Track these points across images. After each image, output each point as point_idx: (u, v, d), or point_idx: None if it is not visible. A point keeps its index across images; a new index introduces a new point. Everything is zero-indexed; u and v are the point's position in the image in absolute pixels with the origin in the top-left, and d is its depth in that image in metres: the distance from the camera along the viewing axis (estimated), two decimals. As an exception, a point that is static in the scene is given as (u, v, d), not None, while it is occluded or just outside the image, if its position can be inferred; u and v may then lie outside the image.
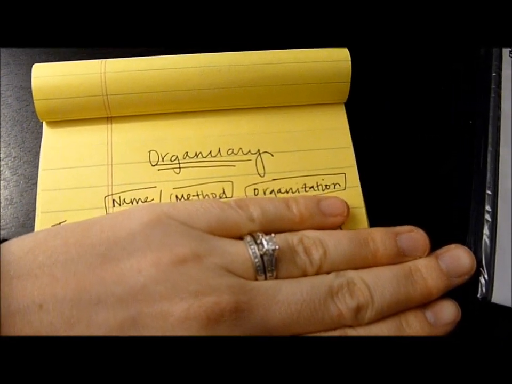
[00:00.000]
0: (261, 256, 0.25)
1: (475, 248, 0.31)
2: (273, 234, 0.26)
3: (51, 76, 0.30)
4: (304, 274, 0.26)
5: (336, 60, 0.31)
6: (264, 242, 0.25)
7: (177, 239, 0.25)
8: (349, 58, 0.31)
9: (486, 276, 0.30)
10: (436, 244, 0.28)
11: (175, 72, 0.30)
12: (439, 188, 0.32)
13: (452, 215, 0.32)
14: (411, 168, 0.33)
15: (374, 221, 0.30)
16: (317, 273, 0.26)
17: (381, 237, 0.27)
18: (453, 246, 0.28)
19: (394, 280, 0.26)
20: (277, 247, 0.25)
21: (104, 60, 0.30)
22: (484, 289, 0.30)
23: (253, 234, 0.26)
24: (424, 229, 0.29)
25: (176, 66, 0.30)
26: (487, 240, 0.31)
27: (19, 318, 0.21)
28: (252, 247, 0.25)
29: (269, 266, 0.25)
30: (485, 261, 0.30)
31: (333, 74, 0.31)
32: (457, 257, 0.27)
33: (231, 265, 0.25)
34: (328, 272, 0.26)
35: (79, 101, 0.30)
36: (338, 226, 0.29)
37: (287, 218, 0.28)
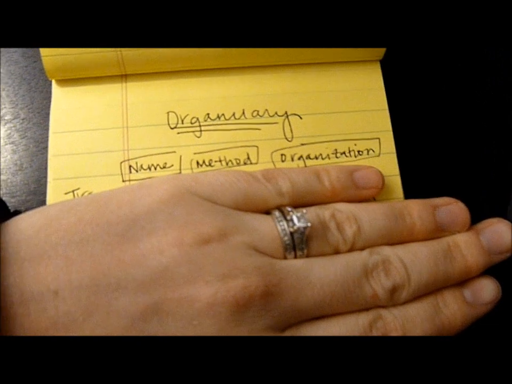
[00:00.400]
0: (291, 233, 0.23)
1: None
2: (304, 210, 0.24)
3: (59, 29, 0.27)
4: (336, 252, 0.24)
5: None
6: (295, 219, 0.23)
7: (201, 217, 0.23)
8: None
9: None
10: (474, 216, 0.26)
11: (196, 25, 0.27)
12: (479, 156, 0.30)
13: (492, 185, 0.30)
14: (450, 135, 0.30)
15: (409, 190, 0.28)
16: (350, 250, 0.24)
17: (418, 211, 0.25)
18: (495, 220, 0.26)
19: (432, 257, 0.25)
20: (309, 224, 0.23)
21: None
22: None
23: (281, 209, 0.24)
24: (461, 199, 0.27)
25: (196, 18, 0.27)
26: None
27: (33, 307, 0.20)
28: (281, 223, 0.23)
29: (299, 244, 0.23)
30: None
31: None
32: (500, 232, 0.25)
33: (258, 243, 0.23)
34: (361, 249, 0.25)
35: (90, 57, 0.27)
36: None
37: (318, 192, 0.26)
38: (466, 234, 0.25)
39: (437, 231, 0.25)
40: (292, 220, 0.23)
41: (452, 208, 0.26)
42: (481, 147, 0.30)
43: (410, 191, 0.28)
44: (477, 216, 0.26)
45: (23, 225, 0.21)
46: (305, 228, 0.23)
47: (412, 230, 0.25)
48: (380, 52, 0.29)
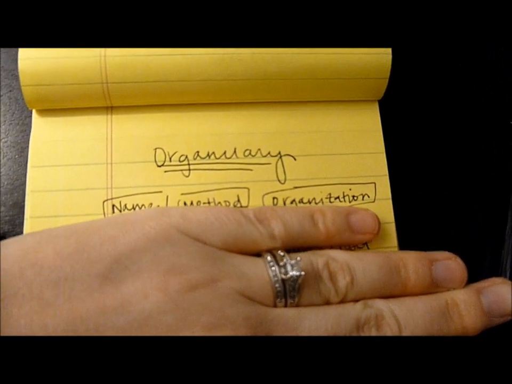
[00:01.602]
0: (283, 280, 0.22)
1: (510, 274, 0.28)
2: (298, 258, 0.23)
3: (42, 58, 0.25)
4: (327, 302, 0.23)
5: (374, 52, 0.27)
6: (288, 267, 0.22)
7: (189, 259, 0.21)
8: (390, 50, 0.27)
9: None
10: (468, 261, 0.25)
11: (188, 59, 0.26)
12: (475, 202, 0.29)
13: (486, 230, 0.29)
14: (445, 178, 0.29)
15: (403, 238, 0.27)
16: (341, 301, 0.23)
17: (414, 264, 0.24)
18: (498, 280, 0.25)
19: (427, 315, 0.24)
20: (303, 273, 0.22)
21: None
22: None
23: (273, 253, 0.23)
24: (456, 244, 0.26)
25: (189, 52, 0.26)
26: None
27: None
28: (273, 268, 0.22)
29: (290, 292, 0.22)
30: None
31: (370, 68, 0.27)
32: (502, 294, 0.24)
33: (248, 289, 0.22)
34: (353, 300, 0.24)
35: (74, 88, 0.25)
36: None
37: (312, 235, 0.25)
38: (466, 293, 0.24)
39: (432, 287, 0.25)
40: (285, 266, 0.22)
41: (449, 264, 0.25)
42: (477, 194, 0.29)
43: (404, 239, 0.27)
44: (469, 260, 0.25)
45: None
46: (298, 276, 0.22)
47: (406, 284, 0.24)
48: (380, 92, 0.28)
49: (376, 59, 0.27)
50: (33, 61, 0.25)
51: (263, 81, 0.27)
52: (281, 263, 0.23)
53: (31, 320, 0.19)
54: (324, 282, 0.23)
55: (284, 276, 0.22)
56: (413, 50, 0.31)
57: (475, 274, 0.25)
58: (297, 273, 0.22)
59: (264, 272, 0.22)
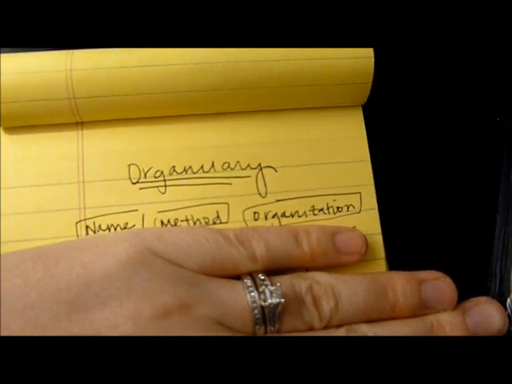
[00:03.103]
0: (262, 307, 0.21)
1: (501, 277, 0.27)
2: (278, 284, 0.22)
3: (5, 74, 0.24)
4: (310, 328, 0.22)
5: (355, 56, 0.26)
6: (267, 294, 0.22)
7: (163, 284, 0.21)
8: (372, 54, 0.26)
9: (514, 311, 0.26)
10: (457, 271, 0.24)
11: (159, 70, 0.24)
12: (462, 208, 0.28)
13: (474, 237, 0.28)
14: (433, 186, 0.28)
15: (390, 249, 0.26)
16: (326, 327, 0.23)
17: (402, 286, 0.24)
18: (483, 299, 0.24)
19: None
20: (282, 300, 0.21)
21: (70, 51, 0.24)
22: (511, 325, 0.26)
23: (253, 276, 0.22)
24: (444, 253, 0.25)
25: (159, 63, 0.24)
26: (517, 269, 0.27)
27: None
28: (252, 294, 0.22)
29: (270, 319, 0.22)
30: (514, 293, 0.27)
31: (351, 73, 0.26)
32: (487, 314, 0.24)
33: (225, 316, 0.21)
34: (338, 325, 0.23)
35: (40, 104, 0.24)
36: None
37: (296, 256, 0.24)
38: (451, 314, 0.24)
39: (421, 308, 0.24)
40: (264, 292, 0.22)
41: (439, 285, 0.24)
42: (463, 199, 0.28)
43: (391, 250, 0.26)
44: (458, 270, 0.25)
45: None
46: (278, 303, 0.21)
47: (394, 307, 0.23)
48: (363, 97, 0.27)
49: (358, 63, 0.26)
50: (-5, 77, 0.24)
51: (239, 90, 0.25)
52: (261, 289, 0.22)
53: None
54: (307, 307, 0.22)
55: (263, 303, 0.21)
56: (397, 52, 0.30)
57: (463, 284, 0.24)
58: (277, 301, 0.21)
59: (242, 297, 0.22)
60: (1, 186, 0.25)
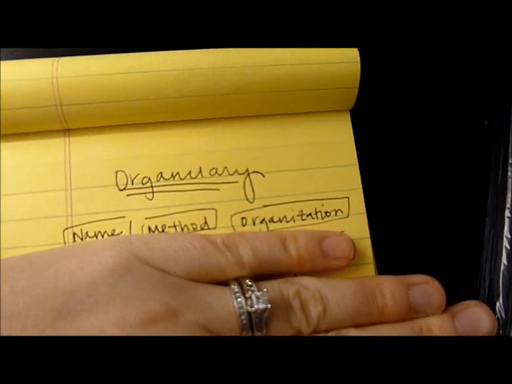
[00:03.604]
0: (249, 313, 0.21)
1: (490, 280, 0.27)
2: (265, 290, 0.22)
3: (-11, 82, 0.24)
4: (299, 333, 0.22)
5: (342, 61, 0.26)
6: (254, 299, 0.22)
7: (149, 291, 0.21)
8: (358, 59, 0.26)
9: (503, 314, 0.26)
10: (446, 274, 0.24)
11: (145, 76, 0.24)
12: (451, 211, 0.28)
13: (463, 240, 0.28)
14: (421, 189, 0.28)
15: (379, 253, 0.26)
16: (314, 331, 0.23)
17: (390, 290, 0.23)
18: (472, 303, 0.24)
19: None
20: (269, 306, 0.21)
21: (57, 58, 0.25)
22: (500, 328, 0.26)
23: (240, 282, 0.22)
24: (433, 257, 0.25)
25: (145, 69, 0.24)
26: (506, 272, 0.27)
27: None
28: (239, 300, 0.22)
29: (257, 324, 0.22)
30: (502, 296, 0.27)
31: (338, 78, 0.26)
32: (476, 317, 0.24)
33: (212, 322, 0.21)
34: (326, 330, 0.23)
35: (27, 112, 0.24)
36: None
37: (283, 262, 0.24)
38: (440, 318, 0.24)
39: (410, 312, 0.24)
40: (250, 298, 0.22)
41: (427, 288, 0.24)
42: (452, 202, 0.28)
43: (380, 253, 0.26)
44: (446, 273, 0.25)
45: None
46: (264, 309, 0.21)
47: (383, 311, 0.23)
48: (350, 101, 0.27)
49: (344, 68, 0.26)
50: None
51: (226, 96, 0.25)
52: (247, 295, 0.22)
53: None
54: (294, 312, 0.22)
55: (249, 309, 0.21)
56: (384, 56, 0.30)
57: (452, 287, 0.24)
58: (263, 306, 0.21)
59: (229, 302, 0.21)
60: (-11, 194, 0.25)
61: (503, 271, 0.27)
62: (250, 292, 0.22)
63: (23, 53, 0.27)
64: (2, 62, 0.24)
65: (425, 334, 0.23)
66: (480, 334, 0.23)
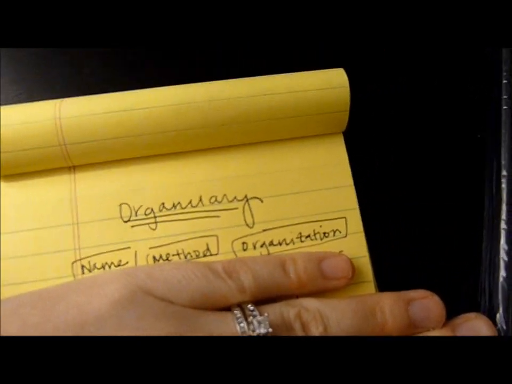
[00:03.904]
0: None
1: (489, 293, 0.27)
2: (266, 314, 0.23)
3: (-2, 126, 0.25)
4: None
5: (331, 86, 0.27)
6: (255, 324, 0.22)
7: (153, 322, 0.21)
8: (347, 83, 0.27)
9: (504, 326, 0.27)
10: (447, 288, 0.25)
11: (144, 112, 0.26)
12: (448, 225, 0.29)
13: (462, 254, 0.28)
14: (417, 205, 0.29)
15: (379, 270, 0.27)
16: None
17: (390, 306, 0.24)
18: (472, 315, 0.25)
19: None
20: (270, 330, 0.22)
21: (59, 100, 0.26)
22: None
23: (242, 307, 0.23)
24: (432, 271, 0.25)
25: (145, 106, 0.26)
26: (505, 284, 0.27)
27: None
28: (242, 325, 0.22)
29: None
30: (503, 308, 0.27)
31: (329, 103, 0.27)
32: (477, 330, 0.24)
33: None
34: None
35: (33, 153, 0.25)
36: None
37: (283, 285, 0.24)
38: (441, 332, 0.24)
39: (410, 328, 0.24)
40: (252, 323, 0.22)
41: (427, 303, 0.24)
42: (449, 215, 0.29)
43: (379, 271, 0.27)
44: (446, 287, 0.25)
45: None
46: (265, 334, 0.22)
47: (383, 327, 0.24)
48: (342, 124, 0.28)
49: (334, 93, 0.27)
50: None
51: (222, 127, 0.26)
52: (249, 320, 0.22)
53: None
54: (296, 334, 0.23)
55: (252, 333, 0.22)
56: (373, 76, 0.31)
57: (453, 300, 0.25)
58: (265, 331, 0.22)
59: (232, 329, 0.22)
60: (4, 231, 0.26)
61: (501, 282, 0.27)
62: (251, 317, 0.22)
63: (26, 96, 0.29)
64: (5, 106, 0.26)
65: None
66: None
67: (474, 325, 0.24)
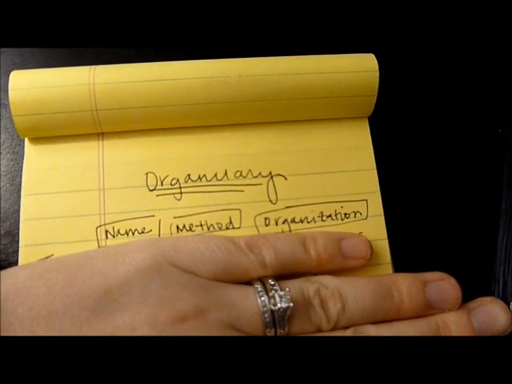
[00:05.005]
0: (272, 311, 0.22)
1: (504, 281, 0.28)
2: (287, 289, 0.23)
3: (31, 88, 0.25)
4: (319, 330, 0.23)
5: (361, 70, 0.27)
6: (277, 298, 0.23)
7: (178, 292, 0.22)
8: (377, 68, 0.27)
9: (517, 314, 0.27)
10: (462, 276, 0.25)
11: (176, 84, 0.26)
12: (466, 214, 0.29)
13: (478, 244, 0.29)
14: (437, 192, 0.29)
15: (396, 254, 0.27)
16: (333, 328, 0.24)
17: (407, 287, 0.24)
18: (487, 299, 0.25)
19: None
20: (291, 304, 0.22)
21: (93, 67, 0.26)
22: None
23: (263, 281, 0.24)
24: (449, 258, 0.26)
25: (176, 77, 0.26)
26: (520, 273, 0.28)
27: None
28: (263, 298, 0.23)
29: (280, 322, 0.22)
30: (517, 297, 0.27)
31: (357, 86, 0.27)
32: (492, 314, 0.24)
33: (237, 320, 0.22)
34: (345, 327, 0.24)
35: (64, 116, 0.26)
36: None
37: (303, 262, 0.25)
38: (457, 314, 0.24)
39: (426, 309, 0.24)
40: (274, 297, 0.23)
41: (443, 285, 0.25)
42: (468, 205, 0.29)
43: (397, 255, 0.27)
44: (463, 274, 0.25)
45: None
46: (287, 308, 0.22)
47: (399, 308, 0.24)
48: (369, 109, 0.28)
49: (363, 77, 0.27)
50: (23, 91, 0.25)
51: (251, 103, 0.27)
52: (271, 294, 0.23)
53: None
54: (314, 310, 0.23)
55: (272, 307, 0.22)
56: (402, 64, 0.31)
57: (468, 286, 0.25)
58: (286, 305, 0.22)
59: (253, 301, 0.23)
60: (27, 193, 0.26)
61: (517, 272, 0.28)
62: (273, 291, 0.23)
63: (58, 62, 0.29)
64: (42, 69, 0.26)
65: (441, 330, 0.24)
66: (496, 329, 0.24)
67: (490, 309, 0.25)
